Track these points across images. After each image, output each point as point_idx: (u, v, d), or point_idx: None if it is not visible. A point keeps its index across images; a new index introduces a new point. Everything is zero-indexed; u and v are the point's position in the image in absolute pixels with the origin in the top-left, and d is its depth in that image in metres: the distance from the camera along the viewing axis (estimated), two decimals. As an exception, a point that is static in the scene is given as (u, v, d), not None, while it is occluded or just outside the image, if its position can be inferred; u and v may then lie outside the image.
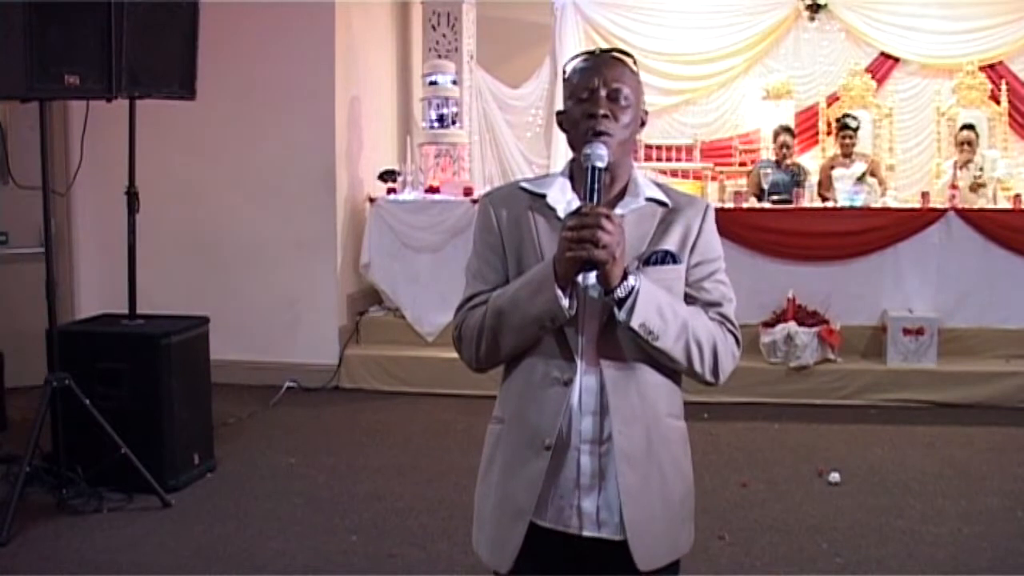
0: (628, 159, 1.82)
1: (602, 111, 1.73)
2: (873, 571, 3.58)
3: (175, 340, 4.39)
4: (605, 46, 1.95)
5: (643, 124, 1.83)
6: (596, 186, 1.68)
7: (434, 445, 5.14)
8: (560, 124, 1.83)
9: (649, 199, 1.80)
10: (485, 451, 1.88)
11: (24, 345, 5.12)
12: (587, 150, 1.70)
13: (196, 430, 4.54)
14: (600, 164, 1.69)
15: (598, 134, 1.72)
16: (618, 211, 1.76)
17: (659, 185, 1.86)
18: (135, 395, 4.31)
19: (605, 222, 1.60)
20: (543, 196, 1.81)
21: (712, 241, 1.83)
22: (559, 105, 1.86)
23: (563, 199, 1.79)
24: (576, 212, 1.65)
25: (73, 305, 6.27)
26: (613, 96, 1.75)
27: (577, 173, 1.80)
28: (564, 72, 1.85)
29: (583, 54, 1.84)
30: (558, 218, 1.76)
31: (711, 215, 1.84)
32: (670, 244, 1.78)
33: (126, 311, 4.62)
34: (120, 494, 4.19)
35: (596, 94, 1.74)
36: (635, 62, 1.82)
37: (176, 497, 4.24)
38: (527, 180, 1.89)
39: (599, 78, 1.75)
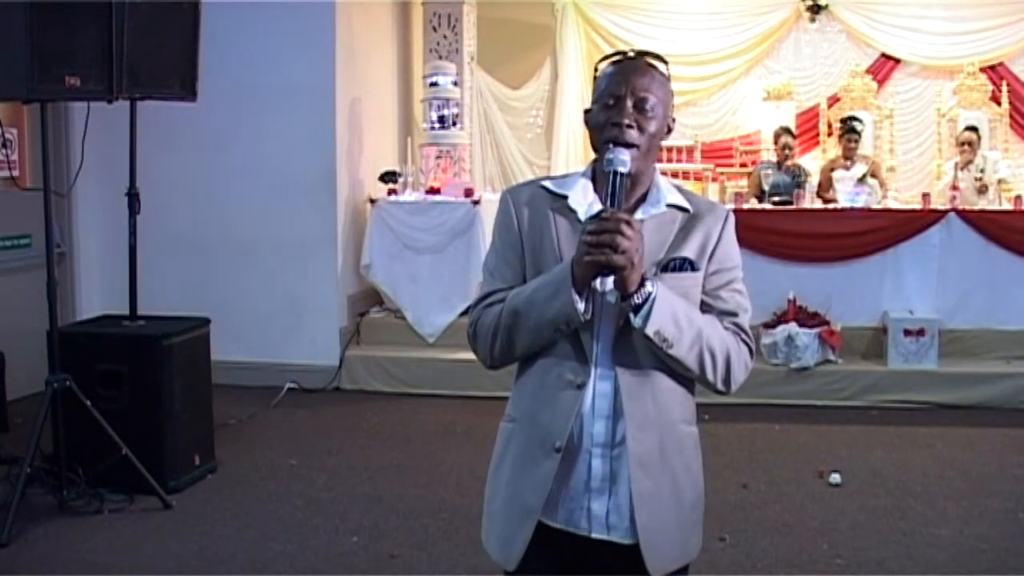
0: (651, 164, 1.82)
1: (626, 121, 1.72)
2: (874, 572, 3.58)
3: (176, 341, 4.39)
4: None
5: (670, 131, 1.82)
6: (617, 191, 1.68)
7: (435, 446, 5.14)
8: (586, 123, 1.83)
9: (670, 205, 1.80)
10: (496, 448, 1.88)
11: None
12: (609, 155, 1.70)
13: (197, 431, 4.54)
14: (622, 169, 1.69)
15: (620, 144, 1.72)
16: (639, 216, 1.76)
17: (681, 190, 1.85)
18: (136, 396, 4.31)
19: (625, 227, 1.61)
20: (564, 197, 1.81)
21: (731, 249, 1.83)
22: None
23: (584, 201, 1.79)
24: (597, 216, 1.65)
25: (74, 306, 6.28)
26: (639, 106, 1.73)
27: (599, 175, 1.79)
28: (595, 70, 1.84)
29: (616, 55, 1.82)
30: (579, 220, 1.76)
31: (731, 223, 1.84)
32: (689, 251, 1.77)
33: (127, 312, 4.62)
34: (121, 495, 4.19)
35: (622, 102, 1.73)
36: (667, 66, 1.80)
37: (177, 498, 4.24)
38: (549, 179, 1.88)
39: (627, 86, 1.74)
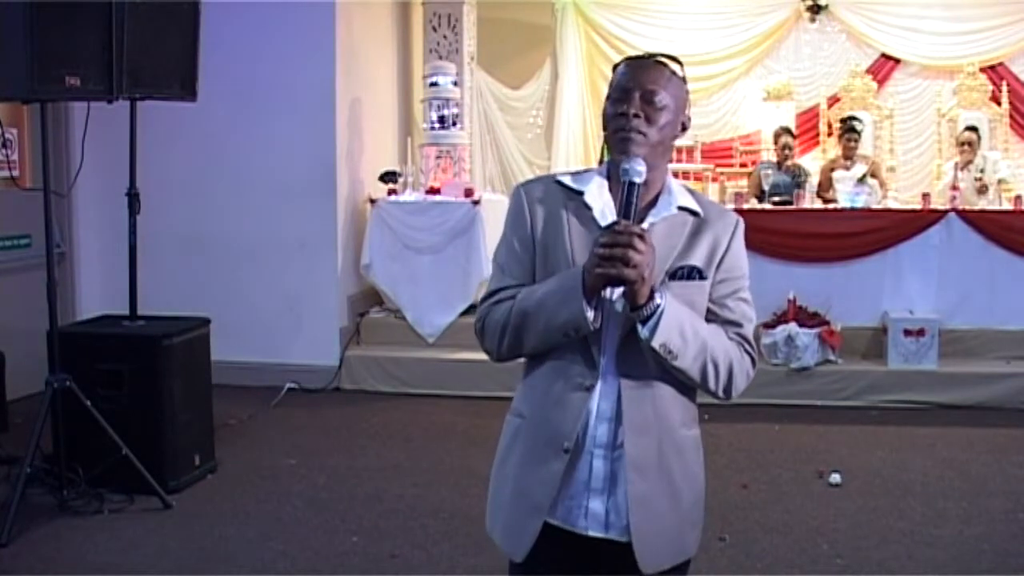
0: (664, 164, 1.82)
1: (633, 110, 1.74)
2: (874, 572, 3.58)
3: (176, 341, 4.39)
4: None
5: (684, 129, 1.83)
6: (632, 202, 1.68)
7: (435, 446, 5.14)
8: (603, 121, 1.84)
9: (681, 208, 1.80)
10: (503, 441, 1.90)
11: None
12: (625, 164, 1.70)
13: (197, 431, 4.54)
14: (637, 180, 1.69)
15: (629, 134, 1.72)
16: (649, 220, 1.77)
17: (692, 192, 1.86)
18: (136, 396, 4.31)
19: (637, 242, 1.61)
20: (580, 193, 1.82)
21: (739, 258, 1.84)
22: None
23: (600, 199, 1.80)
24: (610, 228, 1.66)
25: (74, 306, 6.28)
26: (647, 98, 1.75)
27: (615, 175, 1.79)
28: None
29: (628, 58, 1.84)
30: (593, 219, 1.77)
31: (740, 231, 1.85)
32: (697, 259, 1.78)
33: (127, 312, 4.62)
34: (121, 495, 4.18)
35: (629, 95, 1.75)
36: (681, 67, 1.82)
37: (177, 498, 4.24)
38: (564, 174, 1.89)
39: (634, 80, 1.76)
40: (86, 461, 4.19)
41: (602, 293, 1.69)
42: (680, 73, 1.81)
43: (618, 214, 1.69)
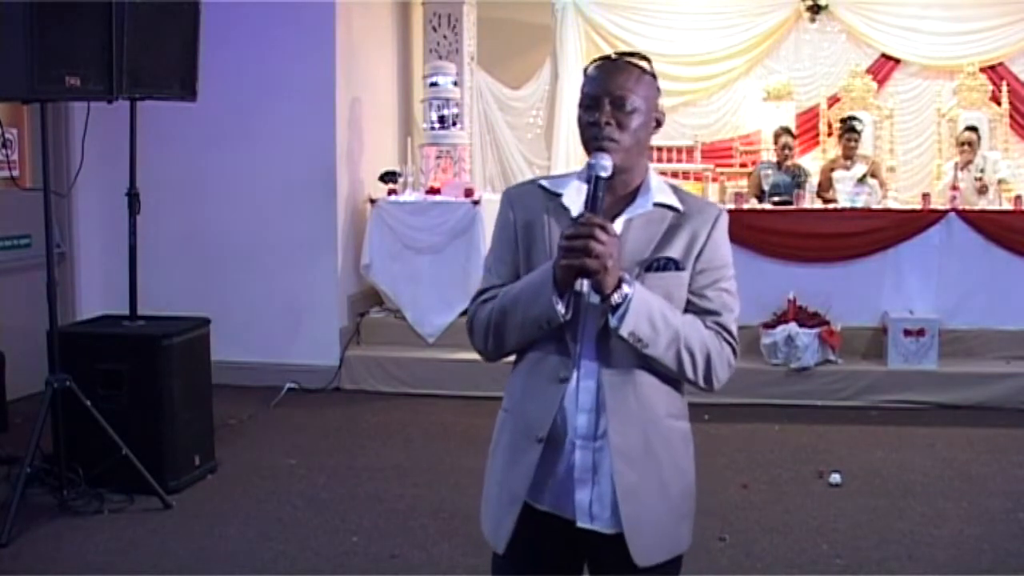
0: (642, 161, 1.85)
1: (604, 119, 1.76)
2: (873, 572, 3.58)
3: (176, 341, 4.39)
4: (607, 48, 1.98)
5: (659, 125, 1.86)
6: (596, 195, 1.72)
7: (435, 446, 5.15)
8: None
9: (657, 204, 1.82)
10: (494, 435, 1.94)
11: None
12: (592, 160, 1.75)
13: (197, 431, 4.54)
14: (604, 174, 1.73)
15: (601, 143, 1.76)
16: (626, 215, 1.81)
17: (676, 190, 1.88)
18: (136, 396, 4.31)
19: (599, 232, 1.65)
20: (559, 195, 1.86)
21: (719, 250, 1.85)
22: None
23: (578, 200, 1.82)
24: (574, 221, 1.70)
25: (74, 306, 6.28)
26: (618, 103, 1.77)
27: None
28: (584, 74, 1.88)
29: (597, 60, 1.86)
30: (571, 219, 1.79)
31: (722, 223, 1.86)
32: (674, 251, 1.80)
33: (127, 312, 4.62)
34: (121, 495, 4.19)
35: (600, 102, 1.78)
36: (650, 64, 1.84)
37: (177, 498, 4.24)
38: (546, 178, 1.94)
39: (603, 86, 1.78)
40: (86, 461, 4.19)
41: (575, 286, 1.72)
42: (649, 70, 1.83)
43: (584, 207, 1.73)
